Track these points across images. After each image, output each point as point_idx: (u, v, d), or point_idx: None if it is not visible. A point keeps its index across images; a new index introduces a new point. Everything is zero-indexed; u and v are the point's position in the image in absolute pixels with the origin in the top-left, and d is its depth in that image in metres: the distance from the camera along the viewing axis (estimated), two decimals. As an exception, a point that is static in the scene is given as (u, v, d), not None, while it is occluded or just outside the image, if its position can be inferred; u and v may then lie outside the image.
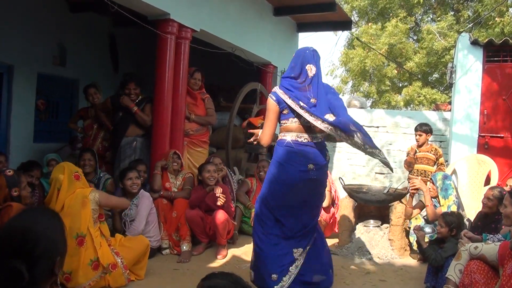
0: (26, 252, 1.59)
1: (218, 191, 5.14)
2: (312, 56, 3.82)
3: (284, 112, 3.75)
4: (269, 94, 3.83)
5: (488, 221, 4.52)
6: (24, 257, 1.58)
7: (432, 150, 6.51)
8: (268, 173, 3.89)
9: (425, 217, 5.35)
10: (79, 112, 6.63)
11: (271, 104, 3.77)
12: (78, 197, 3.83)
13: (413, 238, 5.26)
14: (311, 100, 3.69)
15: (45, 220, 1.71)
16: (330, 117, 3.63)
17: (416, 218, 5.47)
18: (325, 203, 5.87)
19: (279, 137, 3.87)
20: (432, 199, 5.29)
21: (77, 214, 3.76)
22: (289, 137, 3.76)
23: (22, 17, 6.88)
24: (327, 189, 5.94)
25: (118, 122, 5.83)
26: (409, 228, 5.43)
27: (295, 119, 3.74)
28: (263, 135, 3.83)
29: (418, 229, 4.63)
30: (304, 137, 3.75)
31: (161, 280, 4.25)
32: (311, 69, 3.76)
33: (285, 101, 3.70)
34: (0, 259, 1.59)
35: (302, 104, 3.63)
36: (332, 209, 6.02)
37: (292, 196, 3.77)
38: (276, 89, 3.78)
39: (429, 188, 5.32)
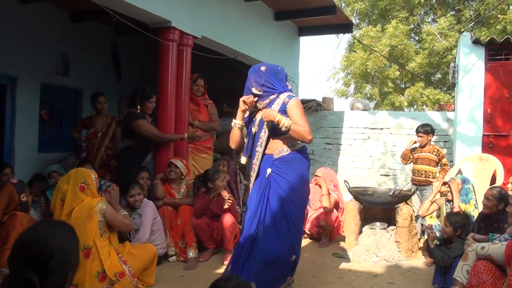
0: (41, 264, 1.60)
1: (226, 194, 5.17)
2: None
3: None
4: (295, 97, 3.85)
5: (490, 222, 4.49)
6: (38, 269, 1.59)
7: (434, 151, 6.50)
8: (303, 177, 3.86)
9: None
10: (83, 121, 6.66)
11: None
12: (84, 208, 3.80)
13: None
14: None
15: (62, 234, 1.72)
16: None
17: (431, 217, 5.46)
18: (326, 206, 5.88)
19: (302, 145, 3.89)
20: (448, 202, 5.27)
21: (83, 226, 3.74)
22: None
23: (24, 28, 6.92)
24: (325, 192, 5.96)
25: (146, 140, 5.57)
26: (422, 224, 5.43)
27: None
28: (310, 131, 3.69)
29: (431, 228, 4.62)
30: None
31: (168, 287, 4.26)
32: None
33: None
34: (15, 269, 1.61)
35: None
36: (335, 213, 6.01)
37: None
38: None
39: (446, 190, 5.29)
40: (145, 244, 4.42)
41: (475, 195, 5.26)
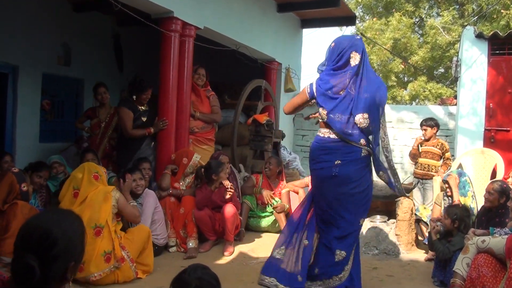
0: (43, 249, 1.60)
1: (228, 183, 5.18)
2: (359, 44, 3.49)
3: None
4: (310, 84, 3.61)
5: (491, 215, 4.51)
6: (40, 254, 1.59)
7: (438, 145, 6.47)
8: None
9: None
10: (86, 112, 6.65)
11: (304, 93, 3.64)
12: (100, 192, 4.03)
13: (425, 229, 5.30)
14: (350, 91, 3.41)
15: (68, 222, 1.72)
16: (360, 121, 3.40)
17: (424, 208, 5.48)
18: None
19: (317, 133, 3.67)
20: (446, 197, 5.28)
21: (98, 206, 3.93)
22: (321, 133, 3.57)
23: (26, 18, 6.89)
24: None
25: (140, 125, 5.71)
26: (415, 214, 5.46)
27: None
28: (285, 106, 3.85)
29: (435, 221, 4.63)
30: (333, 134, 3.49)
31: (168, 277, 4.22)
32: (354, 57, 3.43)
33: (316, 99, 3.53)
34: (17, 253, 1.61)
35: (325, 110, 3.46)
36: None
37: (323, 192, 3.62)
38: (316, 81, 3.56)
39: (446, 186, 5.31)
40: (137, 226, 4.43)
41: (472, 187, 5.32)
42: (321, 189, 3.61)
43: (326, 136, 3.53)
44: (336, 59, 3.46)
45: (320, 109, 3.51)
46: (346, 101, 3.41)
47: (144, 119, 5.73)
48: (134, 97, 5.75)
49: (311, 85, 3.57)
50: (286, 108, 3.84)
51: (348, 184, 3.50)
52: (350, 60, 3.43)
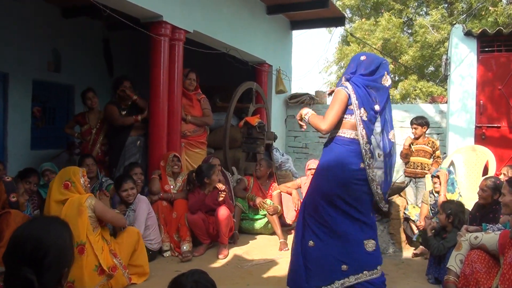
0: (36, 261, 1.60)
1: (222, 185, 5.18)
2: (388, 67, 3.64)
3: (350, 107, 3.51)
4: (340, 86, 3.54)
5: (485, 212, 4.55)
6: (35, 265, 1.59)
7: (429, 143, 6.51)
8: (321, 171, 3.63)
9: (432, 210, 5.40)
10: (75, 118, 6.62)
11: (343, 94, 3.48)
12: (74, 205, 3.75)
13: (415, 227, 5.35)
14: (375, 106, 3.54)
15: (56, 230, 1.72)
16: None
17: (414, 207, 5.51)
18: None
19: (338, 134, 3.57)
20: (435, 193, 5.33)
21: (74, 223, 3.64)
22: (347, 134, 3.53)
23: (15, 25, 6.87)
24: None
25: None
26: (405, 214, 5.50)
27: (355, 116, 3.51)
28: (326, 121, 3.45)
29: (430, 218, 4.68)
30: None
31: (162, 281, 4.24)
32: (386, 79, 3.59)
33: (350, 99, 3.48)
34: (12, 266, 1.60)
35: (361, 113, 3.47)
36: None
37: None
38: (347, 84, 3.52)
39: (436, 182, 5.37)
40: (127, 229, 4.31)
41: (457, 184, 5.47)
42: (341, 194, 3.53)
43: (352, 137, 3.52)
44: (372, 72, 3.56)
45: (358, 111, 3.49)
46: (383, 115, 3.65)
47: (123, 113, 5.99)
48: (116, 96, 6.07)
49: (344, 87, 3.51)
50: (329, 123, 3.47)
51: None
52: (383, 80, 3.58)
